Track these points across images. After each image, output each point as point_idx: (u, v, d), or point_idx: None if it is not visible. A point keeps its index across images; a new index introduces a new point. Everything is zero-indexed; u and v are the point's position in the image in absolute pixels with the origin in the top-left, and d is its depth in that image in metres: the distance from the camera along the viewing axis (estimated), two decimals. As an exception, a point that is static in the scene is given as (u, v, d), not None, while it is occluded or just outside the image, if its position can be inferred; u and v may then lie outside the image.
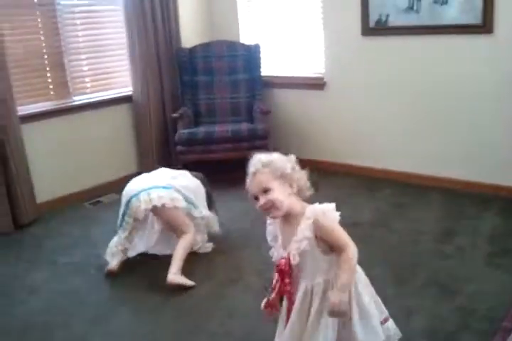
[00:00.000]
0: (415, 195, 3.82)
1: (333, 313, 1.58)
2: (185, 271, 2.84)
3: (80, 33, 4.22)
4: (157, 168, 3.43)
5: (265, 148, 4.15)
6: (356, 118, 4.24)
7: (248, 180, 1.70)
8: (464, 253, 2.96)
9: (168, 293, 2.73)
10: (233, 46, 4.54)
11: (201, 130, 4.25)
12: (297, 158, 1.74)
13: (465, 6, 3.49)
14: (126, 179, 4.44)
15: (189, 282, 2.78)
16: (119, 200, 4.10)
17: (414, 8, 3.70)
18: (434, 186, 3.89)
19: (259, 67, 4.51)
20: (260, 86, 4.50)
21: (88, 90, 4.31)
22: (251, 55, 4.50)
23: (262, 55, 4.51)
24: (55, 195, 4.04)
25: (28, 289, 2.89)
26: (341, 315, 1.60)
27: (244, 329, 2.40)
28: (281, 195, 1.66)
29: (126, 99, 4.46)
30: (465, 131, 3.75)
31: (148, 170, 4.48)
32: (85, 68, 4.30)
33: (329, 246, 1.65)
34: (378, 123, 4.14)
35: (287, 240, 1.70)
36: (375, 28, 3.94)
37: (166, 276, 2.76)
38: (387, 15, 3.84)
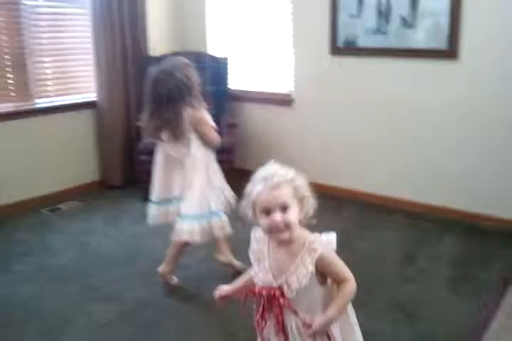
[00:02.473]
0: (380, 216, 3.86)
1: (311, 334, 1.53)
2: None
3: (44, 35, 4.12)
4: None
5: (230, 162, 4.14)
6: (323, 137, 4.28)
7: (263, 189, 1.51)
8: (426, 277, 2.98)
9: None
10: (202, 57, 4.51)
11: (166, 140, 4.19)
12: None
13: (432, 31, 3.59)
14: (87, 187, 4.40)
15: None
16: (78, 208, 4.04)
17: (383, 30, 3.79)
18: (398, 208, 3.94)
19: (227, 80, 4.51)
20: (227, 99, 4.49)
21: (51, 94, 4.21)
22: (219, 67, 4.49)
23: (230, 68, 4.50)
24: (11, 200, 3.91)
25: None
26: (314, 337, 1.56)
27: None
28: (296, 218, 1.53)
29: (89, 105, 4.37)
30: (429, 155, 3.82)
31: (110, 178, 4.45)
32: (48, 71, 4.19)
33: (327, 278, 1.57)
34: (344, 141, 4.19)
35: (279, 267, 1.57)
36: (343, 48, 4.00)
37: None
38: (356, 36, 3.91)
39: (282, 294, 1.55)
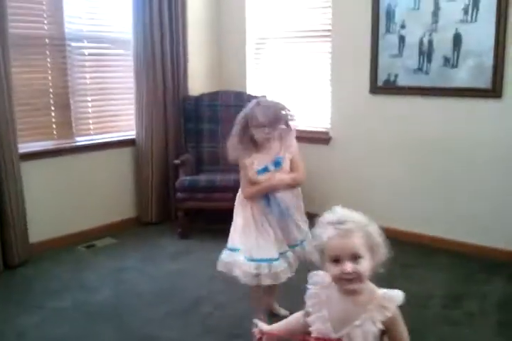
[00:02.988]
0: (422, 256, 3.74)
1: None
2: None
3: (87, 75, 4.21)
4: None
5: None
6: (360, 175, 4.22)
7: (334, 235, 1.44)
8: (473, 320, 2.85)
9: None
10: (240, 96, 4.56)
11: (203, 178, 4.19)
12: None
13: (475, 70, 3.56)
14: (122, 223, 4.40)
15: None
16: (113, 245, 4.02)
17: (424, 69, 3.77)
18: (442, 248, 3.82)
19: (265, 118, 4.51)
20: (264, 137, 4.49)
21: (91, 132, 4.26)
22: (257, 106, 4.51)
23: (268, 107, 4.52)
24: (49, 236, 3.90)
25: (15, 333, 2.74)
26: None
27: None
28: (368, 268, 1.45)
29: (128, 143, 4.42)
30: (473, 195, 3.73)
31: (146, 214, 4.45)
32: (90, 110, 4.26)
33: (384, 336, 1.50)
34: (383, 180, 4.12)
35: (341, 318, 1.49)
36: (383, 87, 3.99)
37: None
38: (396, 75, 3.90)
39: None
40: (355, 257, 1.43)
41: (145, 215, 4.51)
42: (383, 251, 1.49)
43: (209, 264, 3.55)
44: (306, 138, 4.48)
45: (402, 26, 3.80)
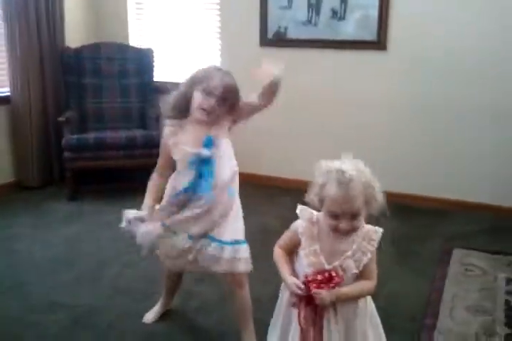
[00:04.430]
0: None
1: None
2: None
3: None
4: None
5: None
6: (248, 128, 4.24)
7: (337, 194, 1.46)
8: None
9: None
10: (124, 49, 4.32)
11: (91, 136, 3.96)
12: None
13: (361, 23, 3.69)
14: (1, 189, 4.03)
15: None
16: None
17: (313, 21, 3.83)
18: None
19: (152, 72, 4.34)
20: (153, 91, 4.31)
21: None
22: (143, 59, 4.31)
23: (155, 60, 4.34)
24: None
25: None
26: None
27: None
28: (362, 222, 1.53)
29: (2, 101, 4.02)
30: (350, 138, 3.91)
31: (27, 178, 4.12)
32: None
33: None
34: (275, 131, 4.19)
35: (331, 251, 1.56)
36: (273, 40, 4.00)
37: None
38: (286, 28, 3.92)
39: (338, 275, 1.53)
40: (353, 216, 1.49)
41: (26, 179, 4.18)
42: (379, 205, 1.53)
43: (106, 225, 3.48)
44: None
45: (291, -22, 3.81)
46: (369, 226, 1.60)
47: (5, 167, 4.14)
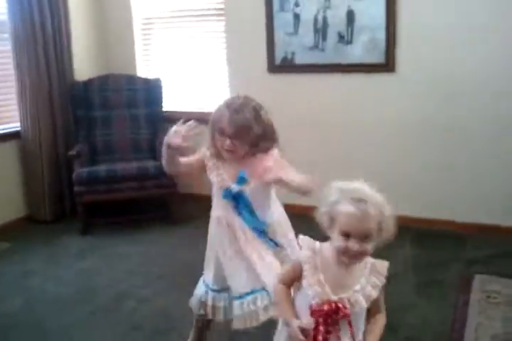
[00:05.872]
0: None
1: None
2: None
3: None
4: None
5: (174, 186, 3.96)
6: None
7: (352, 214, 1.41)
8: (395, 282, 2.98)
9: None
10: (132, 79, 4.33)
11: (102, 168, 3.92)
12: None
13: (368, 46, 3.67)
14: (13, 224, 4.00)
15: None
16: (8, 249, 3.65)
17: (320, 46, 3.82)
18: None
19: (161, 101, 4.34)
20: (162, 121, 4.30)
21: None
22: (151, 89, 4.31)
23: (163, 90, 4.34)
24: None
25: None
26: None
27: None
28: (373, 246, 1.46)
29: (13, 136, 4.02)
30: (361, 161, 3.87)
31: (39, 212, 4.10)
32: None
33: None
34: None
35: (335, 282, 1.50)
36: (281, 66, 3.99)
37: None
38: (293, 53, 3.92)
39: (345, 307, 1.47)
40: (365, 237, 1.43)
41: (38, 213, 4.15)
42: (390, 233, 1.48)
43: (120, 258, 3.42)
44: (205, 120, 4.40)
45: (296, 4, 3.81)
46: (375, 260, 1.54)
47: (17, 201, 4.12)
